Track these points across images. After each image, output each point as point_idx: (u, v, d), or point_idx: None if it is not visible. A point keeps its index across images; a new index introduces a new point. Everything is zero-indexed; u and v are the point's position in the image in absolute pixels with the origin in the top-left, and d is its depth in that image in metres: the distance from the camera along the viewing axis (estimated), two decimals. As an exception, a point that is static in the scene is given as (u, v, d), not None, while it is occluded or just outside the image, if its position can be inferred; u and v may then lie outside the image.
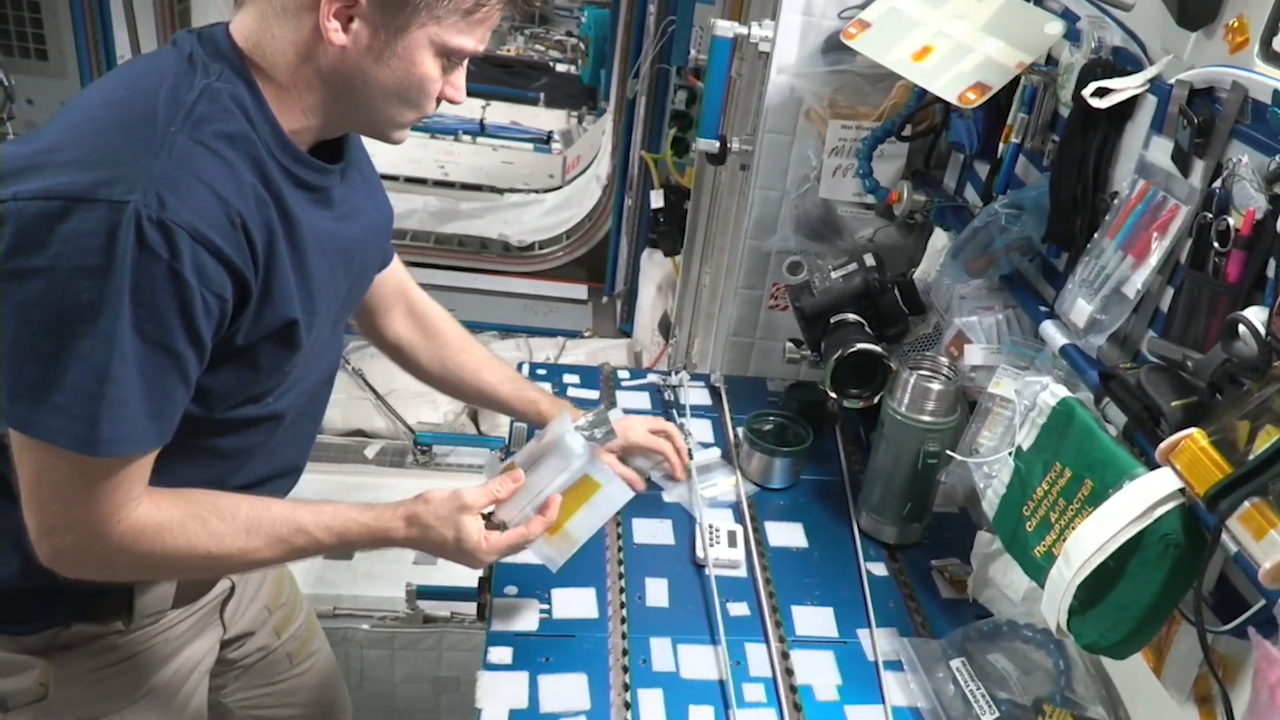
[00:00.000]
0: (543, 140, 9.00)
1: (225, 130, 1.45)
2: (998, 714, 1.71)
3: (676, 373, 2.76)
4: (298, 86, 1.53)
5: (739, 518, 2.28)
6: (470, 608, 3.52)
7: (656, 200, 5.02)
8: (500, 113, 9.43)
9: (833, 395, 2.37)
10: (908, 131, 2.59)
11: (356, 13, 1.46)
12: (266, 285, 1.51)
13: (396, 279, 2.14)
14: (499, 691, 1.77)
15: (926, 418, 2.12)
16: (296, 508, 1.68)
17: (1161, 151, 1.68)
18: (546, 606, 1.96)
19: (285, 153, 1.53)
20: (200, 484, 1.62)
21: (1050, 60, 2.10)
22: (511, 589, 1.99)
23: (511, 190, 7.74)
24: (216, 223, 1.40)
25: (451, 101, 1.64)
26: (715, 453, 2.48)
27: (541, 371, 2.76)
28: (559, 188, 7.79)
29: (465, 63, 1.61)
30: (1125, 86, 1.74)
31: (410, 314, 2.20)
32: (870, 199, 2.68)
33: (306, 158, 1.58)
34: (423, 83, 1.55)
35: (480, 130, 8.98)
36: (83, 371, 1.35)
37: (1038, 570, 1.64)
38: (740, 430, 2.47)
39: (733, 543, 2.16)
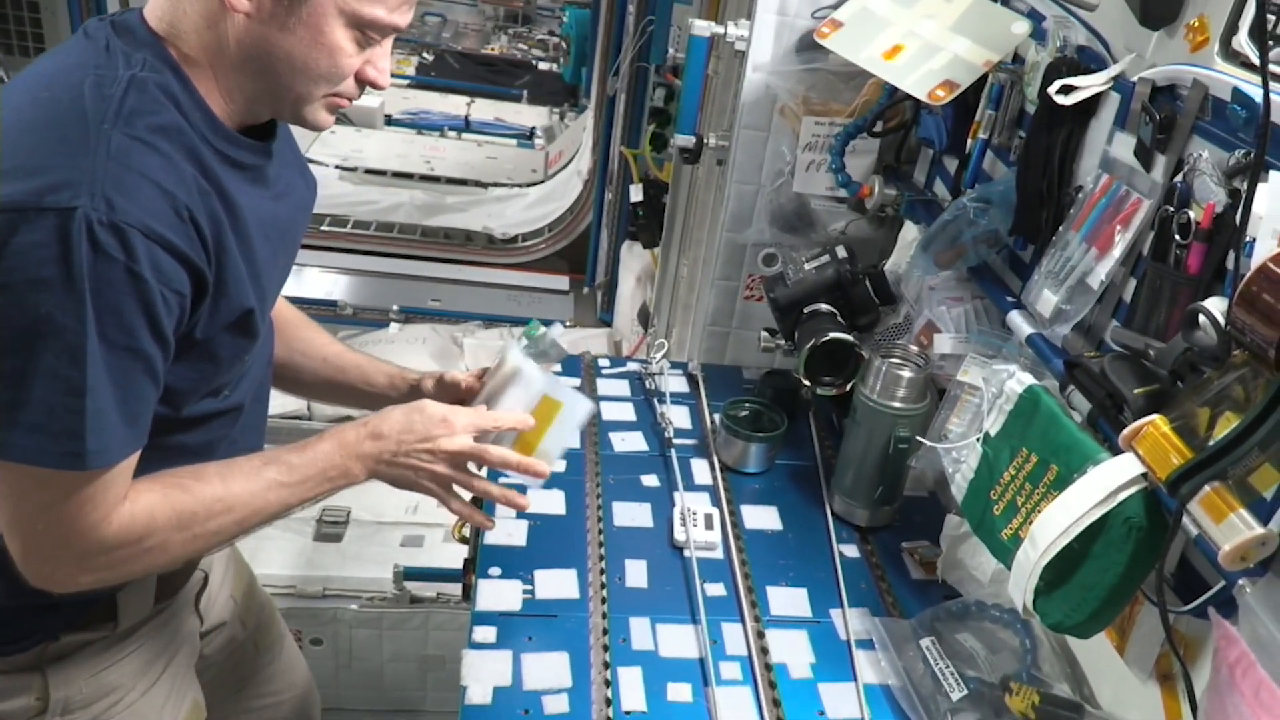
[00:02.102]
0: (526, 136, 8.98)
1: (159, 123, 1.37)
2: (966, 691, 1.71)
3: (656, 361, 2.75)
4: (216, 68, 1.44)
5: (716, 501, 2.27)
6: (456, 589, 3.51)
7: (636, 194, 5.00)
8: (484, 109, 9.42)
9: (806, 383, 2.36)
10: (879, 128, 2.60)
11: None
12: (220, 276, 1.44)
13: None
14: (484, 669, 1.76)
15: (897, 404, 2.12)
16: (257, 453, 1.64)
17: (1124, 147, 1.68)
18: (529, 587, 1.96)
19: (218, 135, 1.46)
20: None
21: (1017, 59, 2.10)
22: (495, 570, 1.98)
23: (496, 185, 7.71)
24: (166, 218, 1.33)
25: (374, 85, 1.54)
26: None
27: (524, 360, 2.75)
28: (541, 182, 7.77)
29: (389, 42, 1.52)
30: (1089, 84, 1.74)
31: None
32: (843, 193, 2.68)
33: (239, 138, 1.50)
34: (332, 55, 1.44)
35: (465, 126, 8.97)
36: (54, 388, 1.29)
37: (1005, 552, 1.64)
38: (717, 417, 2.47)
39: (710, 525, 2.16)
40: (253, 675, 2.24)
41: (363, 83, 1.53)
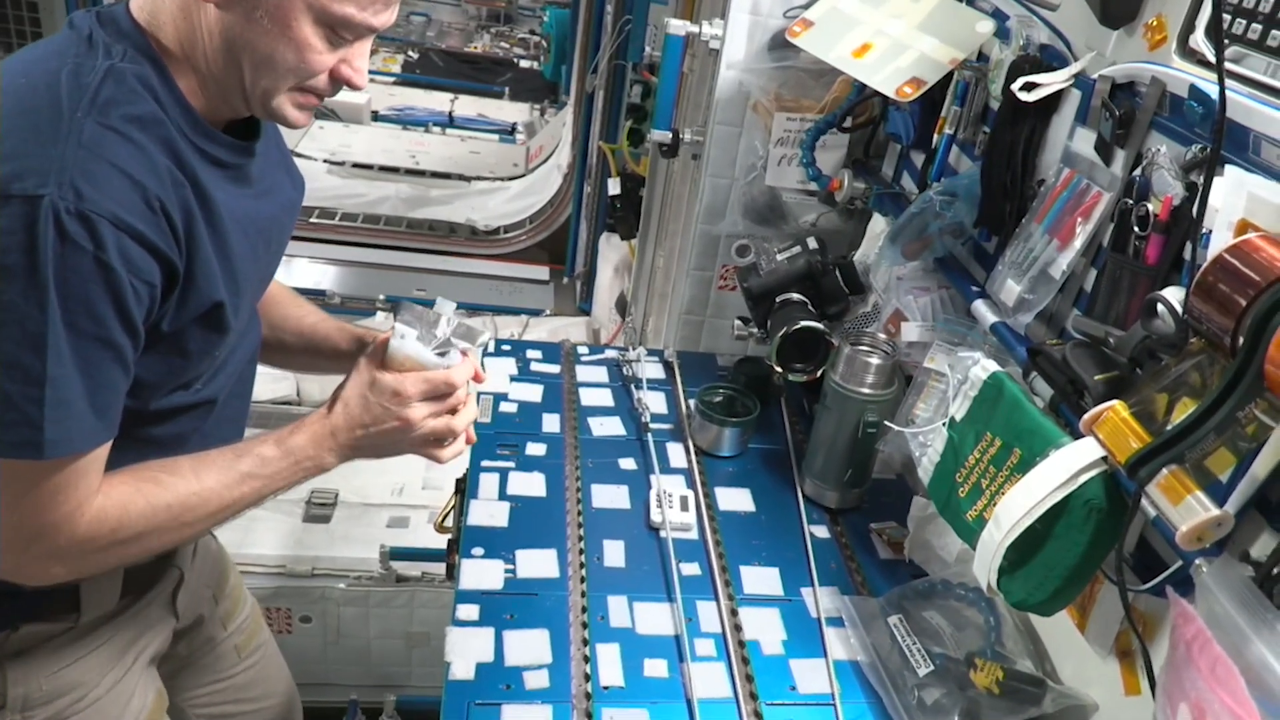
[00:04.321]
0: (507, 131, 8.96)
1: (134, 113, 1.32)
2: (932, 667, 1.71)
3: (634, 349, 2.75)
4: (193, 60, 1.39)
5: (691, 484, 2.26)
6: (440, 568, 3.50)
7: (614, 188, 4.99)
8: (468, 106, 9.40)
9: (778, 369, 2.36)
10: (848, 123, 2.60)
11: None
12: (189, 268, 1.38)
13: None
14: (467, 646, 1.75)
15: (866, 390, 2.12)
16: (231, 445, 1.58)
17: (1085, 142, 1.67)
18: (511, 567, 1.95)
19: (197, 131, 1.40)
20: None
21: (981, 56, 2.09)
22: (478, 550, 1.97)
23: (478, 178, 7.69)
24: (136, 208, 1.28)
25: (349, 84, 1.46)
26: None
27: (506, 347, 2.74)
28: (523, 176, 7.75)
29: (367, 41, 1.45)
30: (1051, 81, 1.74)
31: None
32: (813, 186, 2.68)
33: (219, 135, 1.45)
34: (299, 50, 1.37)
35: (449, 122, 8.95)
36: (11, 375, 1.24)
37: (970, 533, 1.64)
38: (692, 402, 2.46)
39: (685, 507, 2.15)
40: (234, 679, 2.17)
41: (338, 81, 1.46)
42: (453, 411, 1.68)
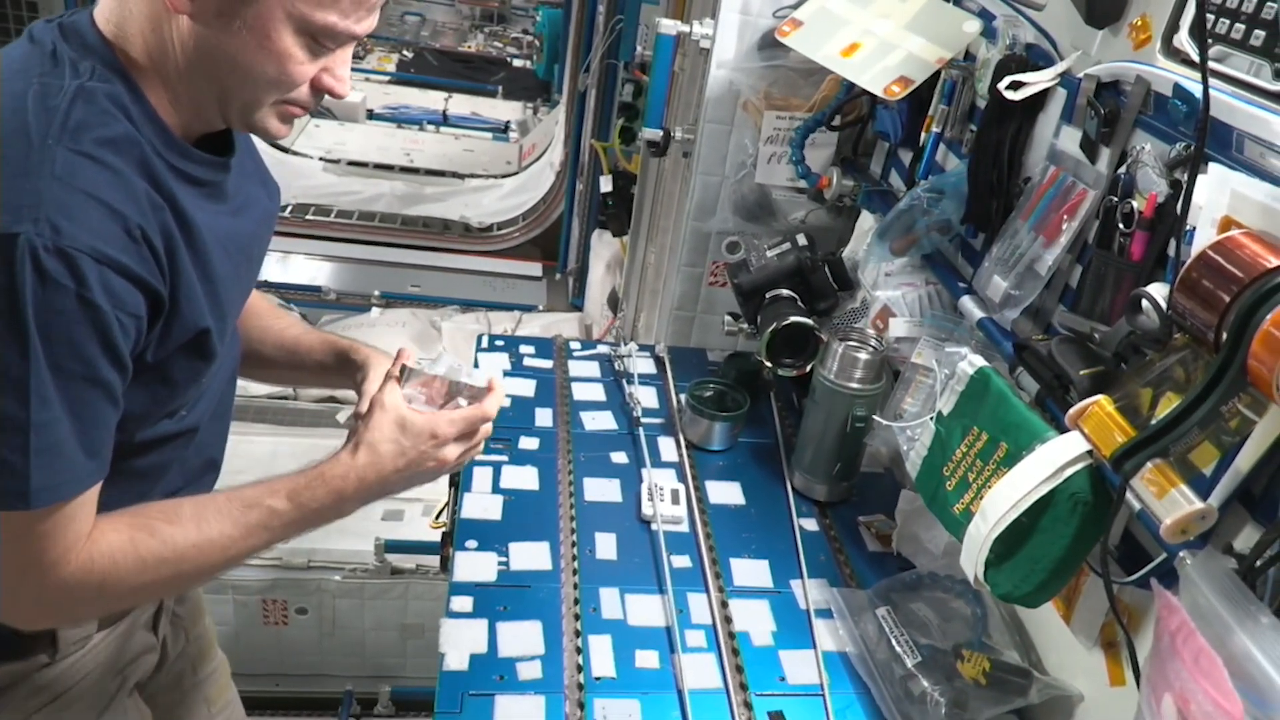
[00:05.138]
0: (501, 130, 8.97)
1: (107, 135, 1.21)
2: (920, 658, 1.71)
3: (625, 344, 2.74)
4: (163, 74, 1.29)
5: (681, 477, 2.26)
6: (434, 560, 3.48)
7: (605, 185, 4.98)
8: (461, 104, 9.42)
9: (768, 364, 2.35)
10: (837, 121, 2.59)
11: None
12: (173, 294, 1.28)
13: None
14: (460, 637, 1.75)
15: (854, 385, 2.12)
16: (240, 488, 1.45)
17: (1071, 140, 1.67)
18: (504, 559, 1.94)
19: (172, 150, 1.30)
20: (124, 504, 1.37)
21: (968, 56, 2.09)
22: (472, 543, 1.97)
23: (472, 176, 7.69)
24: (116, 239, 1.18)
25: (332, 93, 1.36)
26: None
27: (500, 343, 2.73)
28: (516, 173, 7.76)
29: (348, 49, 1.36)
30: (1037, 80, 1.73)
31: None
32: (803, 184, 2.68)
33: (195, 152, 1.34)
34: (280, 61, 1.27)
35: (443, 120, 8.97)
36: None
37: (957, 526, 1.63)
38: (683, 397, 2.45)
39: (676, 500, 2.15)
40: None
41: (320, 92, 1.37)
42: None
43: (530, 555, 1.97)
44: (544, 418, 2.42)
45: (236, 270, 1.45)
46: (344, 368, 1.76)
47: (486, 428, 1.60)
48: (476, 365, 1.57)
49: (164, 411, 1.43)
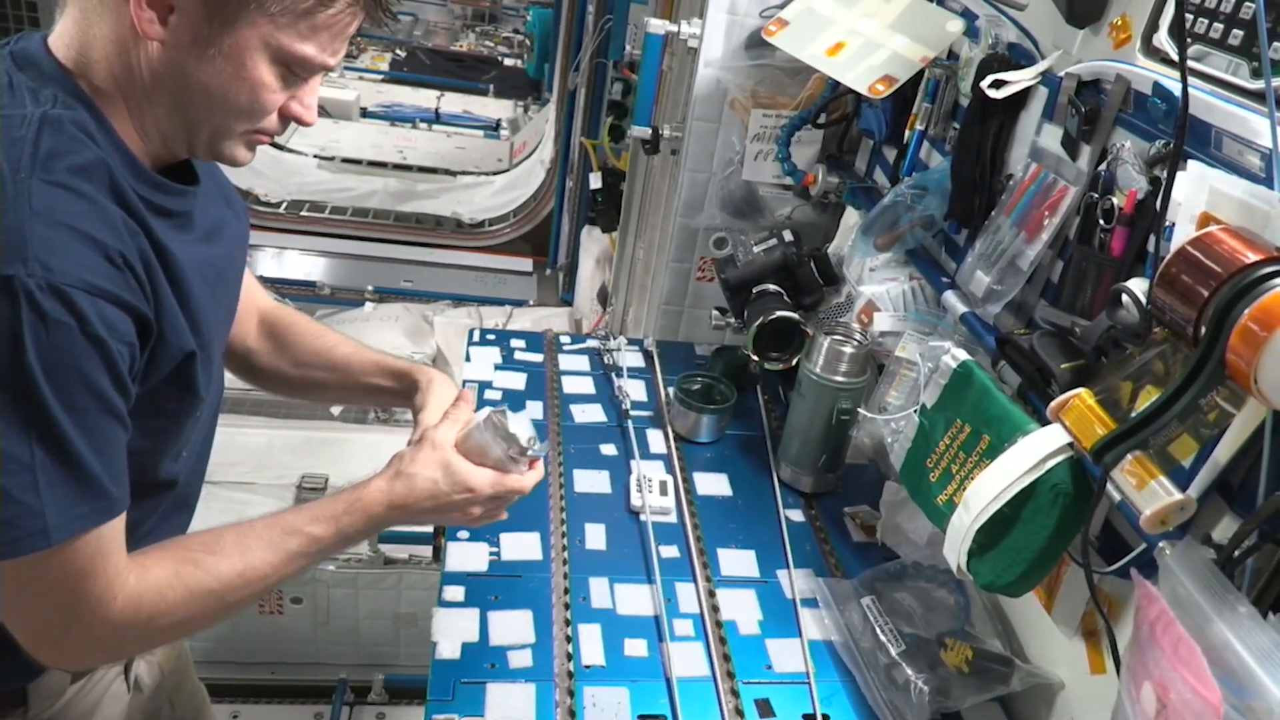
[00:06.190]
0: (492, 128, 8.95)
1: (78, 163, 1.16)
2: (904, 646, 1.71)
3: (614, 338, 2.74)
4: (129, 100, 1.24)
5: (670, 469, 2.26)
6: (427, 550, 3.52)
7: (595, 182, 4.98)
8: (453, 103, 9.38)
9: (755, 358, 2.35)
10: (823, 119, 2.59)
11: (177, 1, 1.17)
12: (157, 319, 1.24)
13: (245, 288, 1.67)
14: (453, 626, 1.75)
15: (840, 378, 2.11)
16: (278, 515, 1.42)
17: (1052, 138, 1.67)
18: (495, 549, 1.94)
19: (141, 180, 1.25)
20: None
21: (951, 55, 2.08)
22: (463, 534, 1.96)
23: (464, 173, 7.67)
24: (101, 269, 1.14)
25: (300, 121, 1.33)
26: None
27: (491, 337, 2.72)
28: (507, 171, 7.74)
29: (318, 79, 1.33)
30: (1019, 79, 1.73)
31: (263, 321, 1.82)
32: (789, 181, 2.67)
33: (162, 182, 1.29)
34: (254, 90, 1.24)
35: (435, 118, 8.93)
36: (9, 469, 1.11)
37: (940, 517, 1.63)
38: (671, 390, 2.45)
39: (664, 492, 2.15)
40: None
41: (287, 120, 1.33)
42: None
43: (521, 546, 1.96)
44: (534, 410, 2.41)
45: (215, 297, 1.42)
46: (403, 389, 1.72)
47: (514, 497, 1.56)
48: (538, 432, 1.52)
49: (153, 451, 1.39)
